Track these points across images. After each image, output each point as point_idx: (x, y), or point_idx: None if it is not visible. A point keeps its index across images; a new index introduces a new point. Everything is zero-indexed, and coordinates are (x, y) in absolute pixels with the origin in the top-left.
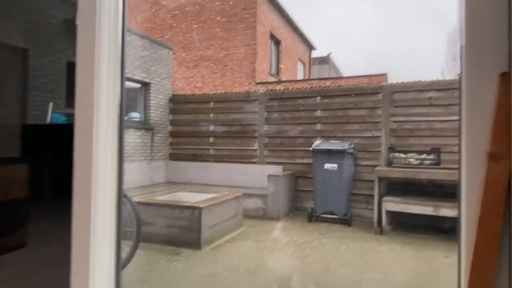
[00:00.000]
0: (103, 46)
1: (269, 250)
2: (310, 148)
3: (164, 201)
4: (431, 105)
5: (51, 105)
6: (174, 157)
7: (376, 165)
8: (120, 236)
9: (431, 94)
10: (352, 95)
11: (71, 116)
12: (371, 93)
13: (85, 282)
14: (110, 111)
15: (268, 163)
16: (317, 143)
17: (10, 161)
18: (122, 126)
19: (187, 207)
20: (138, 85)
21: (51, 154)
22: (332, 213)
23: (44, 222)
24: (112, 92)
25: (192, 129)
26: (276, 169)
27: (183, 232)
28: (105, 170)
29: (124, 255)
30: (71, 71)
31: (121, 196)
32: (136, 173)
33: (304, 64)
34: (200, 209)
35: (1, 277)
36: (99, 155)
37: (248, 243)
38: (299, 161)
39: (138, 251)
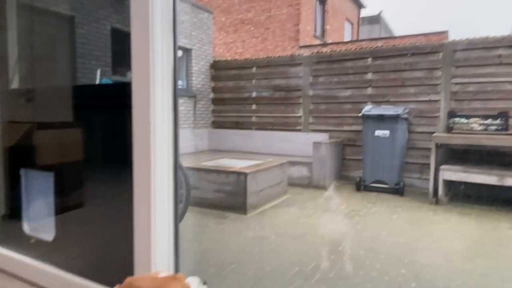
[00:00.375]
0: (156, 11)
1: (316, 217)
2: (360, 114)
3: (211, 166)
4: (501, 63)
5: (99, 71)
6: (216, 124)
7: (433, 132)
8: (177, 195)
9: (501, 51)
10: (408, 55)
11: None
12: (430, 52)
13: (147, 237)
14: (165, 77)
15: (313, 130)
16: (368, 109)
17: (65, 125)
18: (176, 93)
19: (233, 173)
20: (179, 52)
21: (103, 118)
22: (382, 183)
23: (98, 184)
24: (166, 58)
25: (234, 96)
26: (322, 137)
27: (229, 197)
28: (162, 135)
29: None
30: (115, 38)
31: (177, 159)
32: (180, 140)
33: (352, 24)
34: (245, 174)
35: (62, 233)
36: (157, 120)
37: (294, 210)
38: (346, 128)
39: (186, 214)
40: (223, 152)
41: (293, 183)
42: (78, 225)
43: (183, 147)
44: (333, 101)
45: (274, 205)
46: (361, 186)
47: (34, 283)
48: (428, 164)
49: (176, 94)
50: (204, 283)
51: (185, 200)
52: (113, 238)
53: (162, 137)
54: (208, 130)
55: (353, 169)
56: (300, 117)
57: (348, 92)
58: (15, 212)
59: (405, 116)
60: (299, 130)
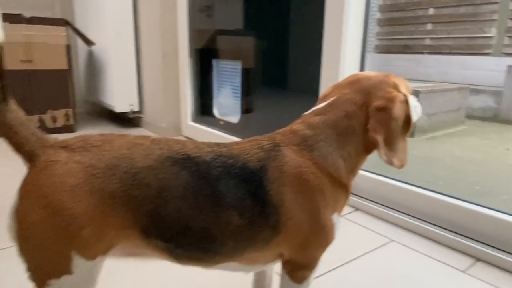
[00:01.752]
0: None
1: (503, 148)
2: None
3: None
4: None
5: None
6: (380, 49)
7: None
8: None
9: None
10: None
11: None
12: None
13: None
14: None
15: (508, 54)
16: None
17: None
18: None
19: None
20: None
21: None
22: None
23: (267, 92)
24: None
25: (405, 15)
26: None
27: None
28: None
29: None
30: None
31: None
32: None
33: None
34: (417, 93)
35: (244, 118)
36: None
37: (473, 139)
38: None
39: None
40: None
41: (473, 115)
42: (257, 111)
43: None
44: None
45: (448, 133)
46: None
47: None
48: None
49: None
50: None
51: None
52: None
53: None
54: (371, 55)
55: None
56: (491, 37)
57: None
58: (207, 103)
59: None
60: (487, 54)
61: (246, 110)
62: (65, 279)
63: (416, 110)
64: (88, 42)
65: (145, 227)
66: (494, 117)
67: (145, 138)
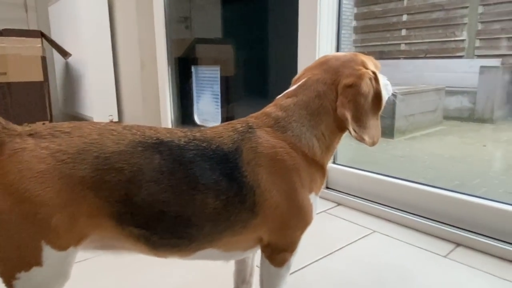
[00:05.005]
0: None
1: (480, 145)
2: None
3: None
4: None
5: None
6: None
7: None
8: None
9: None
10: None
11: None
12: None
13: None
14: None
15: (480, 56)
16: None
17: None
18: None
19: None
20: None
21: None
22: None
23: (248, 100)
24: None
25: (380, 22)
26: (492, 63)
27: None
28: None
29: None
30: None
31: None
32: None
33: None
34: (394, 95)
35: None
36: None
37: (451, 138)
38: None
39: None
40: None
41: (450, 116)
42: (240, 113)
43: None
44: None
45: (426, 133)
46: None
47: None
48: None
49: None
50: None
51: None
52: None
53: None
54: None
55: None
56: (463, 40)
57: None
58: (188, 111)
59: None
60: (460, 57)
61: (226, 117)
62: (35, 271)
63: (387, 88)
64: (65, 53)
65: (119, 214)
66: (470, 117)
67: (117, 124)
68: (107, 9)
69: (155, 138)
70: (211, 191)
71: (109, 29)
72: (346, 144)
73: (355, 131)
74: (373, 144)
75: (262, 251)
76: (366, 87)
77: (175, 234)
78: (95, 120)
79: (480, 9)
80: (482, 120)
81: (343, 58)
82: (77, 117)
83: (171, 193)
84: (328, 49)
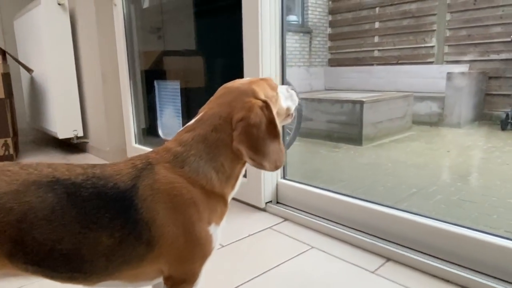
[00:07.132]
0: None
1: (444, 150)
2: None
3: (324, 96)
4: None
5: None
6: (333, 62)
7: None
8: None
9: None
10: None
11: None
12: None
13: None
14: (272, 13)
15: (449, 62)
16: None
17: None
18: (284, 28)
19: (348, 101)
20: None
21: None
22: None
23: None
24: None
25: (354, 29)
26: (460, 69)
27: (343, 128)
28: (270, 66)
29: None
30: None
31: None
32: (294, 78)
33: None
34: (362, 103)
35: None
36: (264, 56)
37: (417, 144)
38: (494, 57)
39: (298, 143)
40: (340, 91)
41: (420, 121)
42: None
43: (297, 85)
44: (478, 24)
45: (395, 140)
46: (508, 124)
47: None
48: None
49: (284, 29)
50: (292, 89)
51: (294, 129)
52: None
53: (269, 68)
54: (324, 69)
55: (499, 107)
56: (432, 47)
57: (498, 12)
58: (152, 124)
59: None
60: (431, 63)
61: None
62: None
63: (292, 98)
64: (28, 69)
65: (12, 253)
66: (439, 122)
67: (15, 164)
68: (69, 23)
69: (51, 176)
70: (104, 229)
71: (71, 43)
72: (314, 152)
73: (253, 160)
74: (276, 168)
75: (164, 283)
76: (257, 117)
77: (70, 269)
78: (59, 136)
79: (448, 16)
80: (450, 125)
81: (236, 92)
82: (43, 132)
83: (63, 231)
84: (272, 61)
